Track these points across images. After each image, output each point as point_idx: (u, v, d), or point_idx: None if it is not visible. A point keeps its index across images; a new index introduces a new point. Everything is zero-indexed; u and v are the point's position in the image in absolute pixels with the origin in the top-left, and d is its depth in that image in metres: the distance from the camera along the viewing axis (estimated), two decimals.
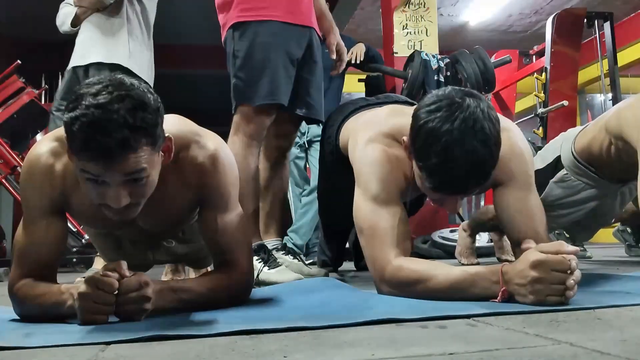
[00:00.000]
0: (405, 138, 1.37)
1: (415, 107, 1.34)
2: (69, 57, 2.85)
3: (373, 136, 1.53)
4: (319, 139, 3.97)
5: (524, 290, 1.14)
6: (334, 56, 2.36)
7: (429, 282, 1.28)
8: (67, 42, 2.91)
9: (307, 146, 4.02)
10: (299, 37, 2.14)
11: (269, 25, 2.09)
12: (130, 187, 1.14)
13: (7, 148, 3.83)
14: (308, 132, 3.95)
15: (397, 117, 1.56)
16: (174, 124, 1.31)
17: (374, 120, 1.62)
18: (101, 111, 1.05)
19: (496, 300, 1.18)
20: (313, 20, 2.23)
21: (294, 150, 3.93)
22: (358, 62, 3.86)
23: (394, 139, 1.49)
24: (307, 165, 4.10)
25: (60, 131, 1.28)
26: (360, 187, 1.49)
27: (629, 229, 3.26)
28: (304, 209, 3.84)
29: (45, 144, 1.29)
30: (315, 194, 3.83)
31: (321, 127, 3.84)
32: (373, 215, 1.42)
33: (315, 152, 3.99)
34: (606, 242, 4.58)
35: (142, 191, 1.17)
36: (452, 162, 1.23)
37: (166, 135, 1.20)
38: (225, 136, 1.90)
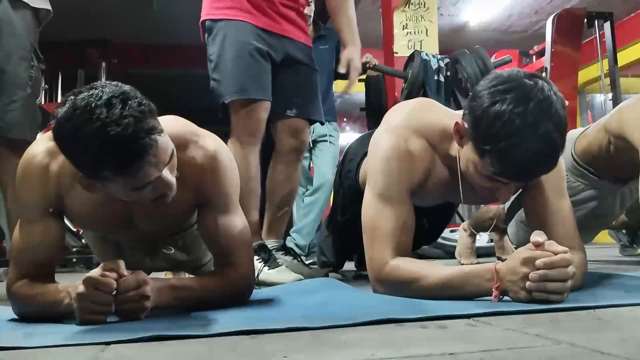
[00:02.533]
0: (459, 121, 1.30)
1: (475, 89, 1.27)
2: (68, 57, 2.83)
3: (392, 126, 1.46)
4: (324, 138, 3.99)
5: (516, 287, 1.16)
6: (342, 70, 2.29)
7: (423, 280, 1.29)
8: (67, 42, 2.91)
9: (311, 146, 4.01)
10: (267, 37, 2.14)
11: (234, 23, 2.10)
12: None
13: None
14: (313, 132, 3.94)
15: (426, 111, 1.50)
16: (172, 124, 1.30)
17: (397, 111, 1.53)
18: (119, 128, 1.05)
19: (493, 299, 1.19)
20: (291, 30, 2.21)
21: None
22: (373, 65, 3.91)
23: (415, 132, 1.42)
24: (311, 165, 4.09)
25: None
26: (370, 181, 1.46)
27: (623, 230, 3.29)
28: (307, 209, 3.83)
29: (41, 144, 1.29)
30: (317, 194, 3.84)
31: (325, 125, 3.88)
32: (376, 214, 1.41)
33: (319, 152, 3.99)
34: (604, 243, 4.58)
35: (173, 163, 1.18)
36: (525, 146, 1.16)
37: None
38: (225, 136, 1.90)
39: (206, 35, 2.18)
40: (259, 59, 2.10)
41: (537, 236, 1.17)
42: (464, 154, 1.32)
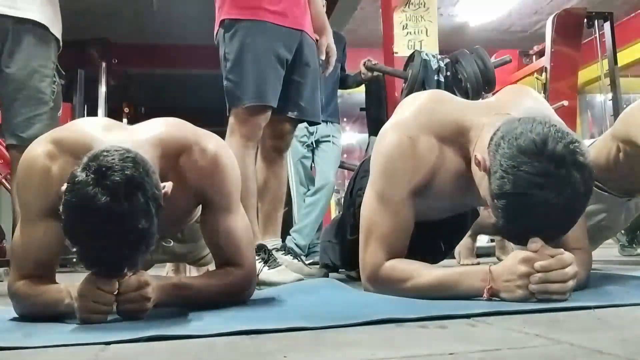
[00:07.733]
0: (479, 156, 1.23)
1: (503, 135, 1.17)
2: (68, 57, 2.82)
3: (399, 122, 1.40)
4: (326, 138, 3.99)
5: (512, 286, 1.17)
6: (323, 57, 2.37)
7: (417, 279, 1.30)
8: (67, 42, 2.91)
9: (314, 146, 4.01)
10: (289, 39, 2.15)
11: (258, 25, 2.10)
12: None
13: None
14: (316, 132, 3.95)
15: (439, 104, 1.42)
16: (173, 127, 1.31)
17: (408, 105, 1.46)
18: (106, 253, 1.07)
19: (483, 298, 1.20)
20: (305, 23, 2.24)
21: (301, 150, 3.93)
22: (373, 65, 3.98)
23: (423, 129, 1.36)
24: (313, 165, 4.09)
25: (56, 132, 1.29)
26: (372, 179, 1.43)
27: (622, 230, 3.30)
28: (308, 209, 3.83)
29: (40, 146, 1.28)
30: (319, 194, 3.84)
31: (329, 126, 3.88)
32: (374, 215, 1.40)
33: (322, 152, 3.99)
34: (604, 243, 4.59)
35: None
36: (534, 222, 1.16)
37: (163, 189, 1.16)
38: (223, 136, 1.90)
39: (222, 32, 2.14)
40: (277, 66, 2.11)
41: (533, 242, 1.17)
42: (481, 180, 1.26)
